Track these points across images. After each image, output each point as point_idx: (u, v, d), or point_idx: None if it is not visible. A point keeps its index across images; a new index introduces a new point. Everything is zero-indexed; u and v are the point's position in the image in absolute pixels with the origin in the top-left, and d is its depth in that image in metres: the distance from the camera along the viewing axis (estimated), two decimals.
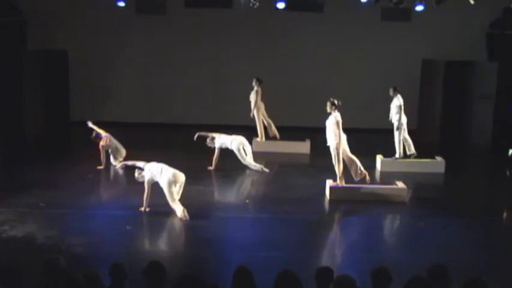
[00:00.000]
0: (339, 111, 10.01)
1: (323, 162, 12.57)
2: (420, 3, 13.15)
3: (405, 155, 12.25)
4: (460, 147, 14.56)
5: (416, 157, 12.22)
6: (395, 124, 11.95)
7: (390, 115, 12.09)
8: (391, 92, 12.03)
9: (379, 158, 12.40)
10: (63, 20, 15.57)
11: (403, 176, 11.14)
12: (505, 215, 10.01)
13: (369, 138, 14.69)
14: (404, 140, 12.21)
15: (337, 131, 9.92)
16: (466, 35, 15.17)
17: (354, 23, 15.52)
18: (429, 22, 14.85)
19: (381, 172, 12.15)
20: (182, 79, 16.07)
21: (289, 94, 15.96)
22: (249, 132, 13.97)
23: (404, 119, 12.01)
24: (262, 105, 13.60)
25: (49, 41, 15.56)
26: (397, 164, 12.19)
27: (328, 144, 10.16)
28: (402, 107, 11.87)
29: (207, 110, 16.17)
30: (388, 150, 12.26)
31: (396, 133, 12.06)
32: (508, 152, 12.97)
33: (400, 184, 10.51)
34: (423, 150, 12.36)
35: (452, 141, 14.72)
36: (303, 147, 13.65)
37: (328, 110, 10.04)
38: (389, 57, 15.86)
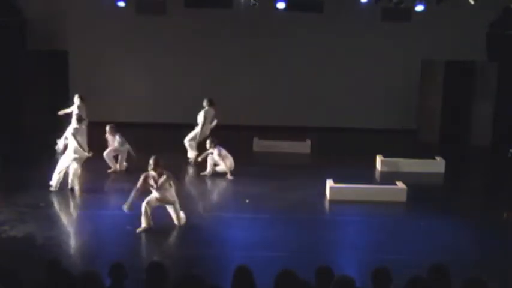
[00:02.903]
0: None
1: (323, 162, 12.61)
2: (420, 3, 13.13)
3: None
4: (460, 147, 14.56)
5: (415, 157, 12.21)
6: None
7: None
8: (204, 103, 12.59)
9: (379, 158, 12.41)
10: (63, 20, 15.57)
11: (403, 176, 11.14)
12: (504, 215, 10.01)
13: (369, 138, 14.70)
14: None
15: None
16: (466, 35, 15.17)
17: (354, 23, 15.50)
18: (429, 22, 14.84)
19: (381, 172, 12.16)
20: (182, 79, 16.07)
21: (289, 94, 15.95)
22: (248, 132, 13.97)
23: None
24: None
25: (49, 41, 15.56)
26: (397, 164, 12.21)
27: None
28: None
29: None
30: (388, 150, 12.25)
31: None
32: (508, 152, 12.96)
33: (400, 184, 10.51)
34: (423, 150, 12.35)
35: (452, 141, 14.71)
36: (303, 147, 13.64)
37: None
38: (389, 57, 15.85)
